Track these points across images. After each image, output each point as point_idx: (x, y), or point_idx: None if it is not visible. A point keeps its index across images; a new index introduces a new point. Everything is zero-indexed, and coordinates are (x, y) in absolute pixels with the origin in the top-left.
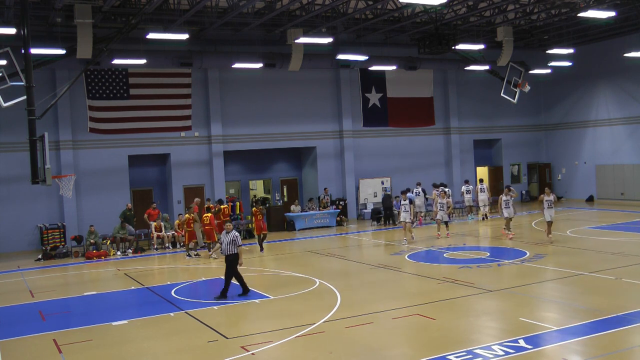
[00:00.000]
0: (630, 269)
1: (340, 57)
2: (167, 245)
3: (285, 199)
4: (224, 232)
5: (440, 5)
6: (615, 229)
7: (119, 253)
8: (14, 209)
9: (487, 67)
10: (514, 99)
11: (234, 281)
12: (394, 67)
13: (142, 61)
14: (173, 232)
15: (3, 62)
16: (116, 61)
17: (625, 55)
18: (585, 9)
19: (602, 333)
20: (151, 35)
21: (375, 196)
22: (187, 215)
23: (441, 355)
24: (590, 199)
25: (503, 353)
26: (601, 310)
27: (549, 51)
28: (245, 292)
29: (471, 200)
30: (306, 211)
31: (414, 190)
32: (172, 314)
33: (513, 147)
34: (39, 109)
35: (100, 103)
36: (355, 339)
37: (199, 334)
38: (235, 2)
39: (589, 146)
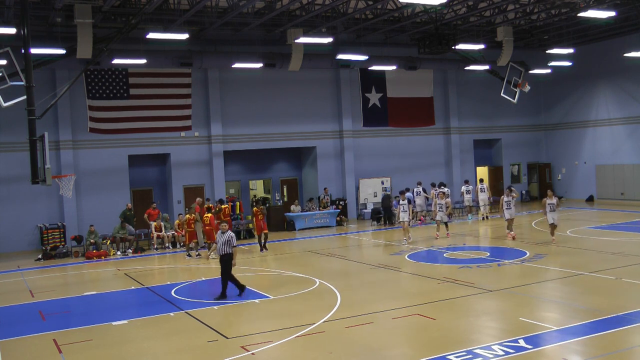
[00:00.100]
0: (630, 269)
1: (340, 57)
2: (167, 245)
3: (285, 199)
4: (219, 232)
5: (440, 5)
6: (615, 229)
7: (119, 253)
8: (14, 209)
9: (487, 67)
10: (514, 99)
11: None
12: (394, 67)
13: (142, 61)
14: (173, 232)
15: (3, 62)
16: (116, 61)
17: (625, 55)
18: (585, 9)
19: (602, 333)
20: (151, 35)
21: (375, 196)
22: (187, 215)
23: (441, 355)
24: (590, 199)
25: (503, 353)
26: (601, 310)
27: (549, 51)
28: (241, 290)
29: (471, 200)
30: (306, 211)
31: (414, 190)
32: (172, 314)
33: (513, 147)
34: (39, 109)
35: (100, 103)
36: (355, 339)
37: (199, 334)
38: (235, 2)
39: (589, 146)
